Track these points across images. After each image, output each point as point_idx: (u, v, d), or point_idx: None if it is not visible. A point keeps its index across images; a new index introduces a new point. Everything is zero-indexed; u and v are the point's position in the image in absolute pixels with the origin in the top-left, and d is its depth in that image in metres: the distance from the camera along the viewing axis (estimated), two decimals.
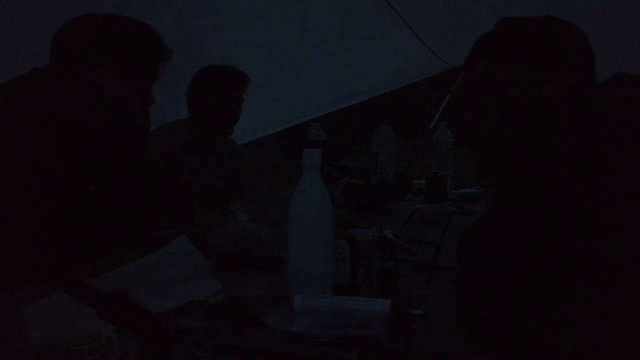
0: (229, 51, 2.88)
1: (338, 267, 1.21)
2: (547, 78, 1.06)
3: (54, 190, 1.33)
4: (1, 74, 1.42)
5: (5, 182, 1.28)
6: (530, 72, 1.07)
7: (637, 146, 0.91)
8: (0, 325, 1.03)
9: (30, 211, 1.29)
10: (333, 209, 1.16)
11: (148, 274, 1.16)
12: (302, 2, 3.04)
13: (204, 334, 0.99)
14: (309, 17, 3.17)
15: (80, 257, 1.25)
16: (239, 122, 2.51)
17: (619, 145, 0.91)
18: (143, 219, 1.64)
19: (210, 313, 1.09)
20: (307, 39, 3.30)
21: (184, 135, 2.42)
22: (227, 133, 2.52)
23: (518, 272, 0.93)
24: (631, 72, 1.04)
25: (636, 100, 0.98)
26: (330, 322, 1.00)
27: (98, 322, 0.92)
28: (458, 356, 0.94)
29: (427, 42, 3.76)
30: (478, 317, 0.99)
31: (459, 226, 2.01)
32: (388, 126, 2.60)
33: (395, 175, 2.62)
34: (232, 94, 2.40)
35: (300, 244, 1.15)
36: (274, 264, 1.42)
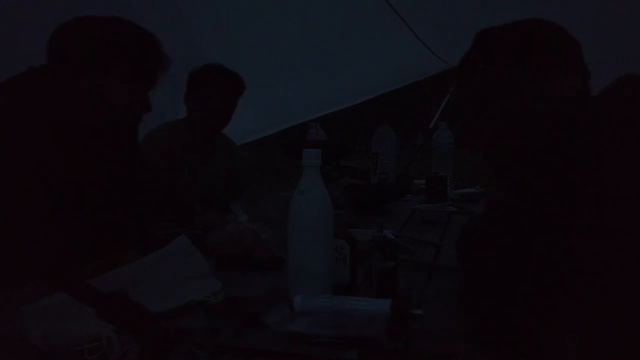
0: (229, 51, 2.89)
1: (338, 267, 1.21)
2: (547, 78, 1.06)
3: (53, 190, 1.33)
4: (1, 74, 1.42)
5: (3, 182, 1.28)
6: (532, 73, 1.06)
7: (638, 147, 0.91)
8: (0, 325, 1.03)
9: (29, 211, 1.29)
10: (333, 209, 1.16)
11: (148, 274, 1.16)
12: (302, 2, 3.04)
13: (204, 334, 0.99)
14: (309, 17, 3.17)
15: (80, 257, 1.25)
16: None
17: (620, 146, 0.91)
18: (143, 219, 1.64)
19: (210, 313, 1.09)
20: (307, 39, 3.30)
21: (183, 135, 2.41)
22: (217, 133, 2.51)
23: (518, 273, 0.93)
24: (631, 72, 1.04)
25: (637, 101, 0.98)
26: (330, 322, 1.00)
27: (98, 322, 0.92)
28: (458, 356, 0.94)
29: (427, 42, 3.76)
30: (479, 317, 0.99)
31: (459, 226, 2.01)
32: (388, 126, 2.60)
33: (395, 175, 2.62)
34: (217, 95, 2.38)
35: (300, 244, 1.15)
36: (274, 264, 1.42)
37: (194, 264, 1.22)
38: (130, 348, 0.91)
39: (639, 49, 2.66)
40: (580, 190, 0.90)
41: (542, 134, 1.02)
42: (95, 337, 0.93)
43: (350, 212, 1.81)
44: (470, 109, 1.16)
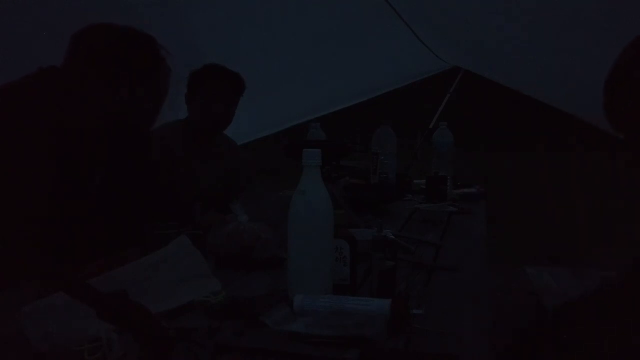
0: (229, 51, 2.88)
1: (338, 267, 1.21)
2: None
3: (54, 190, 1.33)
4: (1, 74, 1.42)
5: (5, 181, 1.28)
6: None
7: None
8: (0, 325, 1.03)
9: (31, 212, 1.29)
10: (333, 209, 1.16)
11: (148, 274, 1.16)
12: (302, 2, 3.04)
13: (204, 334, 0.99)
14: (309, 17, 3.17)
15: (80, 257, 1.25)
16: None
17: None
18: (143, 218, 1.64)
19: (210, 313, 1.09)
20: (306, 39, 3.30)
21: (183, 135, 2.41)
22: (218, 133, 2.51)
23: None
24: None
25: None
26: (330, 322, 1.00)
27: (98, 322, 0.92)
28: (458, 356, 0.94)
29: (427, 42, 3.75)
30: None
31: (459, 226, 2.02)
32: (388, 126, 2.60)
33: (396, 175, 2.63)
34: (218, 94, 2.38)
35: (300, 244, 1.15)
36: (274, 264, 1.42)
37: (194, 264, 1.22)
38: (130, 348, 0.91)
39: None
40: None
41: None
42: (95, 337, 0.93)
43: (350, 212, 1.81)
44: None
